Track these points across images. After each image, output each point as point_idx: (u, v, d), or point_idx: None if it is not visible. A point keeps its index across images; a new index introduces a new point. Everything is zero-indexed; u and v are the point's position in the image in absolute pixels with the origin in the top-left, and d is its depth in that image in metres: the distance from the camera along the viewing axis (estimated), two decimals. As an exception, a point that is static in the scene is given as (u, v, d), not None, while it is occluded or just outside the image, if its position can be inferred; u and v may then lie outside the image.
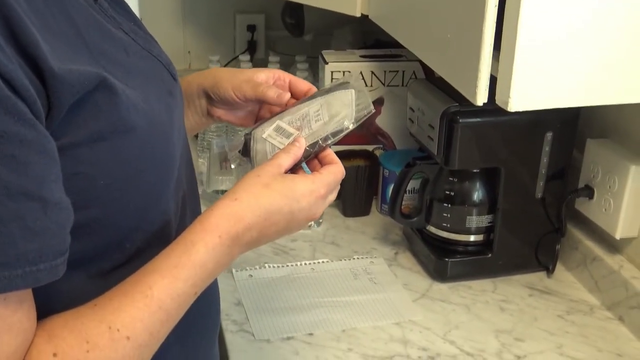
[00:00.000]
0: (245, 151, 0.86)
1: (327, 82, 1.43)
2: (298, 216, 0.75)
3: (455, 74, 0.91)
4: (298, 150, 0.79)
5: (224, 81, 0.89)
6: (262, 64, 1.91)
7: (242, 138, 0.87)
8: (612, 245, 1.20)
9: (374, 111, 0.85)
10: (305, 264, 1.29)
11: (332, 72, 1.42)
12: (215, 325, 0.87)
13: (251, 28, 2.07)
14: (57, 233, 0.55)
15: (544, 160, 1.19)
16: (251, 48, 2.06)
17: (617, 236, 1.14)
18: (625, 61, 0.83)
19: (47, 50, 0.55)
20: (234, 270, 1.25)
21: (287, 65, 1.88)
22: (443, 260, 1.23)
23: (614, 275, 1.15)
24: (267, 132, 0.85)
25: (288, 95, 0.87)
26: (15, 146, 0.51)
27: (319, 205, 0.77)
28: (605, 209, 1.15)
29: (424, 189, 1.27)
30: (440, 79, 0.98)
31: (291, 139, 0.82)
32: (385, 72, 1.43)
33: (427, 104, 1.21)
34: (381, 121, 1.47)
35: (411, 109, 1.28)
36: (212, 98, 0.91)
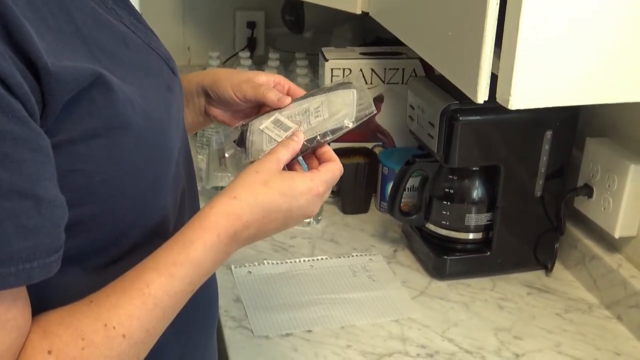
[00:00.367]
0: (241, 142, 0.86)
1: (327, 80, 1.42)
2: (296, 214, 0.75)
3: (456, 71, 0.91)
4: (296, 145, 0.79)
5: (223, 80, 0.89)
6: (262, 61, 1.91)
7: (239, 128, 0.87)
8: (611, 244, 1.20)
9: (375, 112, 0.85)
10: (304, 260, 1.29)
11: (332, 70, 1.42)
12: (214, 320, 0.87)
13: (251, 25, 2.06)
14: (51, 231, 0.55)
15: (544, 158, 1.19)
16: (251, 45, 2.06)
17: (616, 235, 1.14)
18: (625, 60, 0.83)
19: (43, 47, 0.55)
20: (233, 267, 1.25)
21: (287, 63, 1.88)
22: (442, 258, 1.24)
23: (613, 274, 1.16)
24: (264, 124, 0.84)
25: (289, 99, 0.86)
26: (8, 144, 0.51)
27: (317, 203, 0.77)
28: (605, 208, 1.15)
29: (424, 186, 1.27)
30: (440, 76, 0.98)
31: (289, 132, 0.82)
32: (385, 69, 1.43)
33: (427, 102, 1.21)
34: (381, 119, 1.47)
35: (411, 106, 1.28)
36: (210, 97, 0.91)
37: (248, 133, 0.85)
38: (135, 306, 0.62)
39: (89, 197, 0.61)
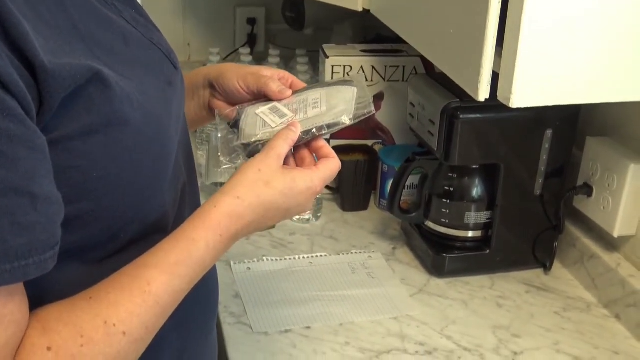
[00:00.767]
0: (235, 124, 0.86)
1: (328, 77, 1.42)
2: (293, 211, 0.78)
3: (457, 69, 0.91)
4: (294, 135, 0.80)
5: (230, 72, 0.90)
6: (262, 57, 1.91)
7: (235, 111, 0.87)
8: (610, 243, 1.20)
9: (373, 112, 0.85)
10: (304, 257, 1.29)
11: (332, 67, 1.42)
12: (213, 315, 0.87)
13: (251, 21, 2.06)
14: (47, 228, 0.55)
15: (544, 157, 1.19)
16: (251, 41, 2.06)
17: (615, 234, 1.14)
18: (626, 59, 0.83)
19: (40, 44, 0.55)
20: (232, 263, 1.25)
21: (288, 59, 1.88)
22: (441, 256, 1.24)
23: (612, 273, 1.16)
24: (261, 109, 0.85)
25: (289, 91, 0.87)
26: (4, 142, 0.51)
27: (313, 200, 0.79)
28: (604, 207, 1.16)
29: (423, 184, 1.27)
30: (441, 74, 0.98)
31: (284, 119, 0.82)
32: (385, 67, 1.43)
33: (427, 100, 1.21)
34: (381, 116, 1.47)
35: (411, 104, 1.28)
36: (215, 89, 0.92)
37: (243, 115, 0.85)
38: (135, 304, 0.62)
39: (87, 193, 0.61)
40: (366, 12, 1.25)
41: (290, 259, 1.28)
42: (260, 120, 0.83)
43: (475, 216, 1.23)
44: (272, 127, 0.82)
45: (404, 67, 1.44)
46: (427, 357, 1.06)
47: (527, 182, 1.21)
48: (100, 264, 0.66)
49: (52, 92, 0.55)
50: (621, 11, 0.79)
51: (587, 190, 1.19)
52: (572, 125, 1.19)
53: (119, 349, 0.61)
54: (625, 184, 1.11)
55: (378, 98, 1.45)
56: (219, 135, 0.87)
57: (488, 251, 1.24)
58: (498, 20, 0.80)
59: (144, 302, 0.62)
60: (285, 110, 0.84)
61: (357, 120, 0.83)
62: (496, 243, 1.23)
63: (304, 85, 0.90)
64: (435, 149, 1.19)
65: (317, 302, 1.17)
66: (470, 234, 1.25)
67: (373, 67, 1.43)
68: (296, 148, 0.82)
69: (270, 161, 0.76)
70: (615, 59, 0.82)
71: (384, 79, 1.44)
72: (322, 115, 0.82)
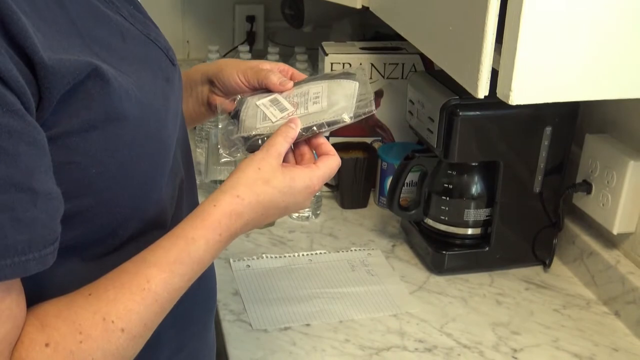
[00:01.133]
0: (235, 114, 0.86)
1: (327, 74, 1.42)
2: (291, 209, 0.78)
3: (457, 66, 0.91)
4: (294, 133, 0.80)
5: (230, 67, 0.90)
6: (261, 54, 1.91)
7: (235, 101, 0.87)
8: (609, 241, 1.20)
9: (374, 112, 0.84)
10: (303, 255, 1.29)
11: (332, 64, 1.41)
12: (211, 312, 0.88)
13: (250, 19, 2.06)
14: (46, 223, 0.55)
15: (543, 154, 1.19)
16: (250, 39, 2.06)
17: (615, 231, 1.15)
18: (625, 56, 0.82)
19: (39, 40, 0.55)
20: (231, 260, 1.25)
21: (287, 57, 1.88)
22: (440, 253, 1.24)
23: (611, 270, 1.16)
24: (261, 101, 0.84)
25: (291, 83, 0.87)
26: (4, 138, 0.51)
27: (311, 198, 0.79)
28: (603, 204, 1.16)
29: (423, 181, 1.27)
30: (440, 71, 0.98)
31: (285, 114, 0.82)
32: (385, 64, 1.43)
33: (427, 97, 1.21)
34: (380, 114, 1.47)
35: (411, 101, 1.28)
36: (214, 85, 0.92)
37: (244, 106, 0.85)
38: (134, 301, 0.62)
39: (85, 189, 0.61)
40: (365, 9, 1.25)
41: (289, 256, 1.28)
42: (260, 112, 0.83)
43: (475, 213, 1.23)
44: (272, 122, 0.82)
45: (403, 64, 1.44)
46: (426, 354, 1.06)
47: (527, 179, 1.21)
48: (99, 260, 0.66)
49: (51, 88, 0.55)
50: (620, 8, 0.79)
51: (587, 187, 1.19)
52: (571, 122, 1.19)
53: (117, 346, 0.61)
54: (625, 181, 1.11)
55: (377, 95, 1.45)
56: (219, 126, 0.87)
57: (487, 248, 1.24)
58: (497, 17, 0.80)
59: (143, 300, 0.63)
60: (286, 104, 0.83)
61: (357, 119, 0.83)
62: (495, 240, 1.24)
63: (304, 76, 0.90)
64: (435, 147, 1.19)
65: (316, 299, 1.17)
66: (470, 231, 1.25)
67: (372, 65, 1.43)
68: (296, 144, 0.82)
69: (270, 159, 0.76)
70: (614, 55, 0.82)
71: (383, 77, 1.44)
72: (322, 112, 0.82)
